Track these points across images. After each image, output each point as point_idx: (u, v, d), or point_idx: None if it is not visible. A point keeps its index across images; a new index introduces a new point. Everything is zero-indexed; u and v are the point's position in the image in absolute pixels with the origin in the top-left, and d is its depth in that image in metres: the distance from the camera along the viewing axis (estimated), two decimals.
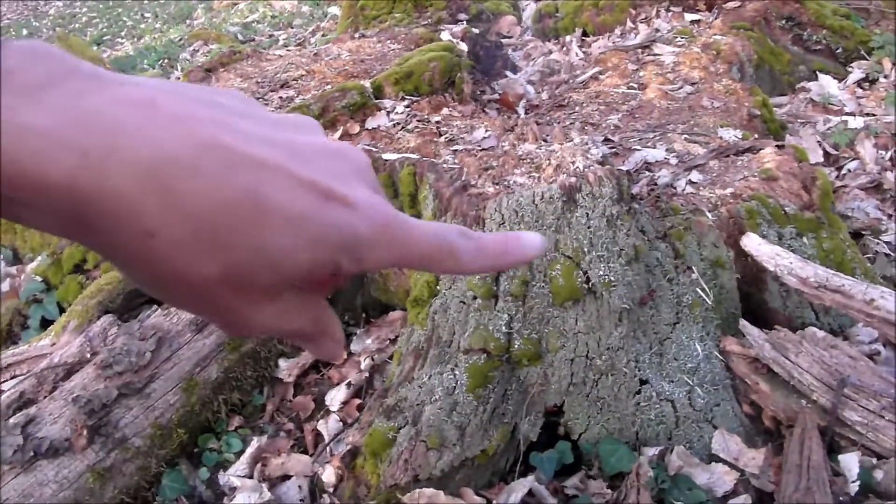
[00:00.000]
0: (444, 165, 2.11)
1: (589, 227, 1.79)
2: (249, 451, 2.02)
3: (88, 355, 2.00)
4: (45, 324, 2.59)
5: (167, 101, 0.37)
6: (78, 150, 0.34)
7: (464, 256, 0.46)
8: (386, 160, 2.20)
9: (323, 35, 5.77)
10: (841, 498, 1.65)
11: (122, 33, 8.47)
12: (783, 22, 3.74)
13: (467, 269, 0.47)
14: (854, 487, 1.67)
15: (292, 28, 6.71)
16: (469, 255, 0.46)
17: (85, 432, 1.83)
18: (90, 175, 0.34)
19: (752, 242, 1.98)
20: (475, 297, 1.83)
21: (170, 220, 0.35)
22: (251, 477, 1.97)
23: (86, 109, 0.35)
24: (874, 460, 1.72)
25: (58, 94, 0.35)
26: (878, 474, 1.69)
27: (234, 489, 1.94)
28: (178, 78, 4.62)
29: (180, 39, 7.12)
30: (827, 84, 3.52)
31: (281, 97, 2.96)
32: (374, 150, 2.28)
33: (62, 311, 2.59)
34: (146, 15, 9.20)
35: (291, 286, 0.41)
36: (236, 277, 0.38)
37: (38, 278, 2.87)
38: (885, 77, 3.55)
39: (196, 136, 0.37)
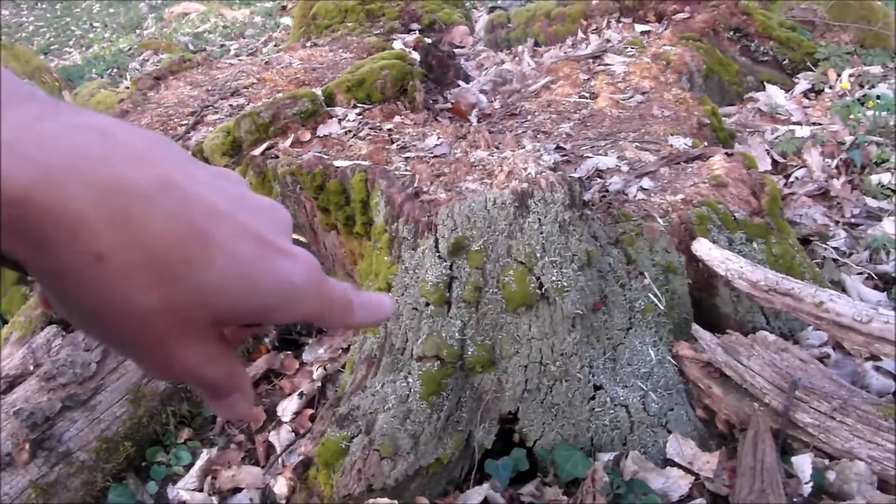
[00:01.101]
0: (396, 172, 2.10)
1: (541, 233, 1.78)
2: (199, 463, 1.98)
3: (31, 367, 1.94)
4: None
5: (124, 135, 0.38)
6: (37, 165, 0.34)
7: (357, 311, 0.49)
8: (337, 167, 2.18)
9: (275, 45, 5.73)
10: (795, 499, 1.66)
11: (70, 43, 8.33)
12: (731, 33, 3.80)
13: (354, 324, 0.50)
14: (807, 489, 1.68)
15: (244, 38, 6.66)
16: (360, 311, 0.50)
17: (27, 446, 1.77)
18: (47, 191, 0.34)
19: (702, 247, 1.99)
20: (428, 304, 1.81)
21: (121, 244, 0.36)
22: (201, 490, 1.93)
23: (45, 130, 0.35)
24: (826, 461, 1.74)
25: (17, 114, 0.35)
26: (831, 475, 1.70)
27: (183, 503, 1.89)
28: (127, 87, 4.55)
29: (130, 49, 7.02)
30: (774, 94, 3.58)
31: (231, 105, 2.93)
32: (325, 157, 2.25)
33: (4, 322, 2.52)
34: (95, 24, 9.06)
35: (218, 331, 0.43)
36: (174, 311, 0.38)
37: None
38: (831, 88, 3.63)
39: (154, 169, 0.38)
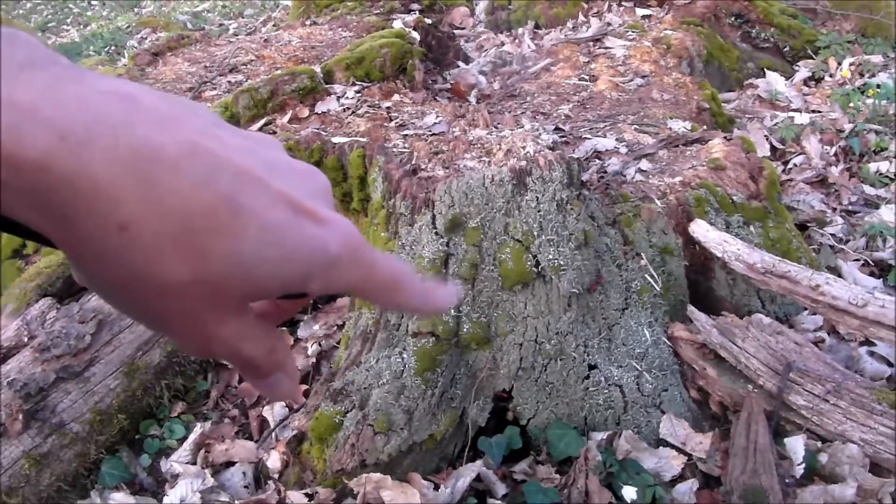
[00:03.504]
0: (395, 149, 2.09)
1: (539, 211, 1.78)
2: (192, 437, 1.97)
3: (26, 339, 1.94)
4: None
5: (149, 99, 0.36)
6: (58, 129, 0.32)
7: (413, 296, 0.46)
8: (335, 143, 2.17)
9: (274, 25, 5.70)
10: (787, 480, 1.67)
11: (69, 20, 8.28)
12: (732, 19, 3.79)
13: (409, 307, 0.47)
14: (799, 470, 1.68)
15: (243, 18, 6.62)
16: (417, 296, 0.46)
17: (20, 417, 1.77)
18: (68, 157, 0.32)
19: (700, 229, 1.99)
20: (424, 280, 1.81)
21: (147, 213, 0.34)
22: (194, 463, 1.93)
23: (68, 93, 0.33)
24: (819, 444, 1.74)
25: (39, 77, 0.33)
26: (823, 457, 1.70)
27: (176, 476, 1.89)
28: (125, 64, 4.52)
29: (128, 27, 6.98)
30: (774, 81, 3.57)
31: (230, 81, 2.91)
32: (323, 133, 2.24)
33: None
34: (93, 2, 9.00)
35: (258, 306, 0.41)
36: (206, 284, 0.36)
37: None
38: (831, 76, 3.62)
39: (180, 135, 0.36)
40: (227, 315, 0.39)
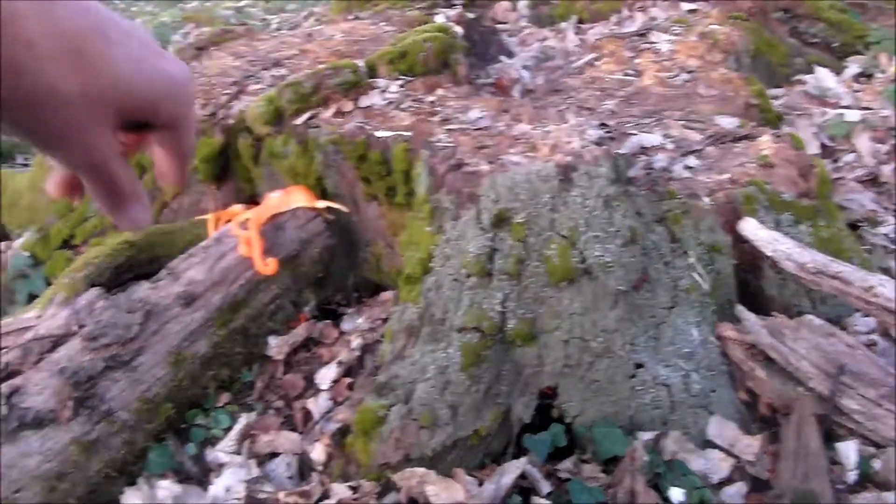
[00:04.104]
0: (439, 143, 2.08)
1: (585, 207, 1.76)
2: (238, 427, 1.98)
3: (75, 328, 1.96)
4: (32, 299, 2.55)
5: None
6: None
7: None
8: (379, 137, 2.16)
9: (316, 20, 5.71)
10: (838, 486, 1.64)
11: None
12: (780, 14, 3.73)
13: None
14: (852, 476, 1.65)
15: (286, 12, 6.65)
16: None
17: (70, 404, 1.79)
18: None
19: (749, 227, 1.96)
20: (469, 275, 1.80)
21: (46, 33, 0.43)
22: (239, 454, 1.93)
23: None
24: (873, 449, 1.70)
25: None
26: (877, 464, 1.67)
27: (221, 465, 1.90)
28: None
29: (172, 22, 7.04)
30: (824, 77, 3.50)
31: (273, 75, 2.92)
32: (367, 127, 2.24)
33: (49, 286, 2.54)
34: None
35: (125, 121, 0.51)
36: (91, 95, 0.46)
37: (26, 253, 2.83)
38: (882, 72, 3.54)
39: None
40: (105, 128, 0.48)
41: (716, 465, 1.76)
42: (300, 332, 2.21)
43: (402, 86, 2.55)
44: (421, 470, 1.72)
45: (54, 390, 1.80)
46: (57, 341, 1.92)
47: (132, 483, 1.87)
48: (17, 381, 1.81)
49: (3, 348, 1.99)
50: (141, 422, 1.89)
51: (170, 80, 0.52)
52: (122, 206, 0.54)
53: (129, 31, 0.49)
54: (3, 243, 3.05)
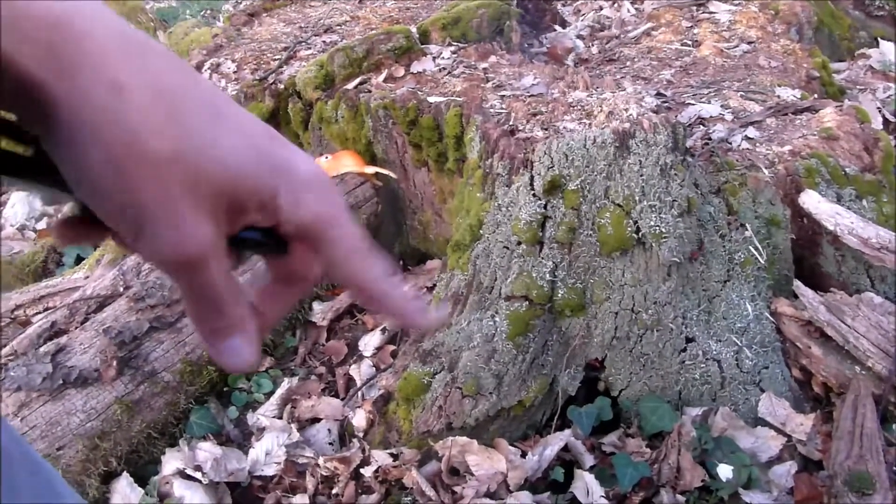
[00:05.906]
0: (492, 109, 2.04)
1: (641, 175, 1.71)
2: (279, 392, 1.98)
3: (121, 288, 1.97)
4: (80, 261, 2.57)
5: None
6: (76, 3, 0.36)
7: (378, 276, 0.47)
8: (431, 102, 2.13)
9: None
10: (895, 468, 1.58)
11: None
12: None
13: (370, 286, 0.48)
14: None
15: None
16: (382, 281, 0.48)
17: (115, 363, 1.80)
18: (77, 19, 0.35)
19: (811, 200, 1.89)
20: (519, 243, 1.76)
21: (138, 80, 0.36)
22: (280, 418, 1.93)
23: None
24: None
25: None
26: None
27: (262, 429, 1.90)
28: (220, 24, 4.58)
29: None
30: (888, 51, 3.38)
31: (324, 41, 2.90)
32: (419, 92, 2.20)
33: (96, 248, 2.56)
34: None
35: (229, 206, 0.40)
36: (185, 163, 0.37)
37: None
38: None
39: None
40: (201, 210, 0.38)
41: (765, 443, 1.71)
42: (344, 299, 2.20)
43: (454, 52, 2.51)
44: (463, 439, 1.70)
45: (99, 350, 1.81)
46: (103, 302, 1.93)
47: (174, 444, 1.88)
48: (62, 340, 1.83)
49: (51, 308, 2.01)
50: (183, 383, 1.90)
51: (291, 170, 0.42)
52: (219, 335, 0.43)
53: (241, 111, 0.42)
54: (52, 206, 3.09)
